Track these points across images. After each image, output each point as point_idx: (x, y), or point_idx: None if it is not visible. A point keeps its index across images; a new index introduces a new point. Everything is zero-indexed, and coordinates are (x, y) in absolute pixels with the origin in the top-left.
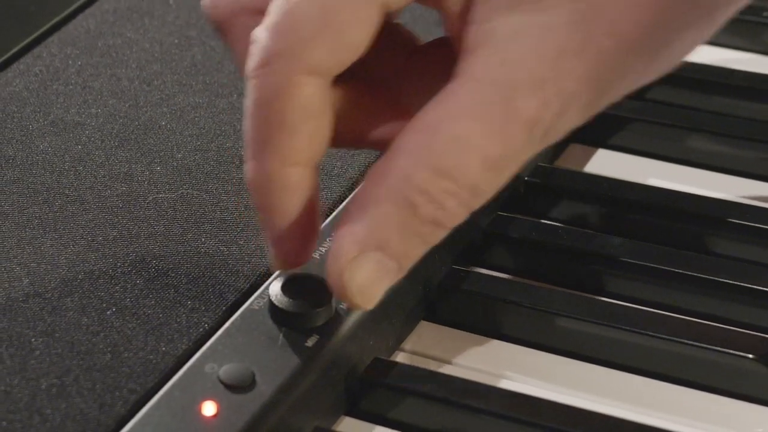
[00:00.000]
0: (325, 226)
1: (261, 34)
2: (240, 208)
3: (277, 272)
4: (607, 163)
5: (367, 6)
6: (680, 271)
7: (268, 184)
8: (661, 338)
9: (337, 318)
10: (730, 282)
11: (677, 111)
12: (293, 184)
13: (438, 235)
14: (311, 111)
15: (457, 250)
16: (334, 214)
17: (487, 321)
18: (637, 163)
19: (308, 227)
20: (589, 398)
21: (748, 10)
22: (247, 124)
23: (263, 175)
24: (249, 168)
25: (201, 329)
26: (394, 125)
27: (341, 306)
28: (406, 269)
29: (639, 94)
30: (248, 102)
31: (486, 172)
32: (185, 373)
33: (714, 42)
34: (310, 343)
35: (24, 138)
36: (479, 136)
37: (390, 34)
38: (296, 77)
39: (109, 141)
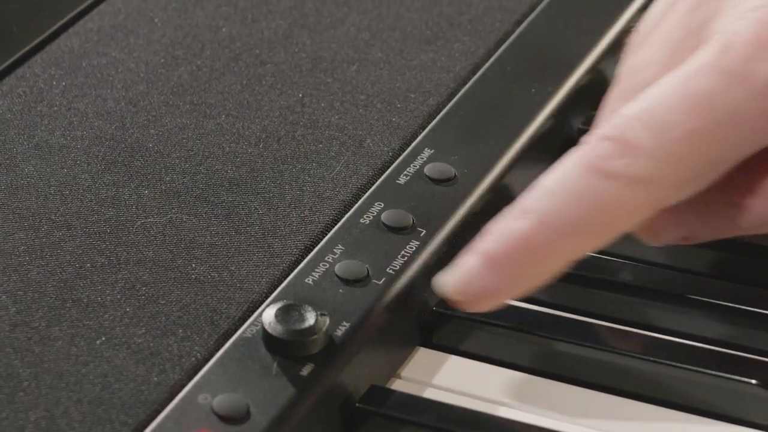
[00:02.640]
0: (320, 249)
1: (645, 140)
2: (231, 233)
3: (270, 299)
4: None
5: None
6: (682, 294)
7: (548, 256)
8: (662, 363)
9: (333, 345)
10: (732, 305)
11: None
12: (565, 265)
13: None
14: (634, 225)
15: None
16: (325, 239)
17: (485, 347)
18: None
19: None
20: (590, 425)
21: None
22: (563, 198)
23: (549, 246)
24: (537, 230)
25: (193, 358)
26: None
27: (336, 333)
28: None
29: None
30: (589, 191)
31: None
32: (178, 405)
33: None
34: (305, 372)
35: (8, 162)
36: None
37: None
38: (655, 205)
39: (96, 164)
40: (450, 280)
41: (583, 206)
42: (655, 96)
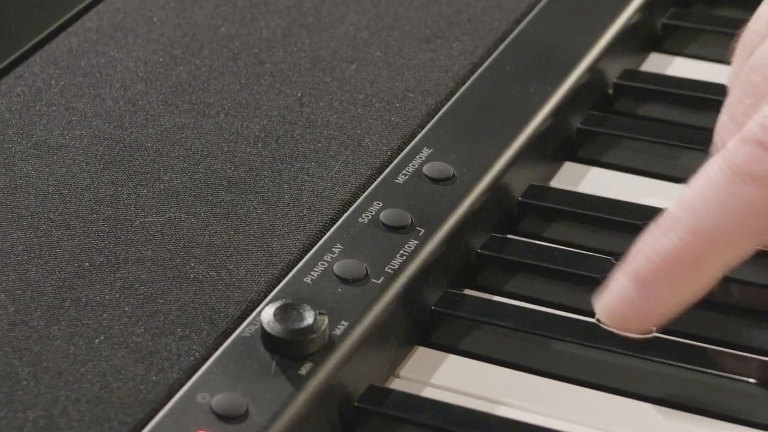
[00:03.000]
0: (318, 248)
1: None
2: (229, 232)
3: (268, 298)
4: (601, 182)
5: None
6: None
7: (701, 268)
8: (660, 362)
9: (331, 345)
10: (729, 304)
11: (672, 129)
12: (720, 274)
13: None
14: None
15: (451, 272)
16: (324, 238)
17: (483, 346)
18: (632, 181)
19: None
20: (589, 424)
21: (743, 24)
22: (711, 207)
23: (701, 258)
24: (687, 243)
25: (192, 357)
26: None
27: (335, 332)
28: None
29: (632, 112)
30: (737, 198)
31: None
32: (176, 404)
33: (708, 58)
34: (303, 371)
35: (6, 161)
36: None
37: None
38: None
39: (94, 163)
40: (605, 308)
41: (732, 213)
42: None
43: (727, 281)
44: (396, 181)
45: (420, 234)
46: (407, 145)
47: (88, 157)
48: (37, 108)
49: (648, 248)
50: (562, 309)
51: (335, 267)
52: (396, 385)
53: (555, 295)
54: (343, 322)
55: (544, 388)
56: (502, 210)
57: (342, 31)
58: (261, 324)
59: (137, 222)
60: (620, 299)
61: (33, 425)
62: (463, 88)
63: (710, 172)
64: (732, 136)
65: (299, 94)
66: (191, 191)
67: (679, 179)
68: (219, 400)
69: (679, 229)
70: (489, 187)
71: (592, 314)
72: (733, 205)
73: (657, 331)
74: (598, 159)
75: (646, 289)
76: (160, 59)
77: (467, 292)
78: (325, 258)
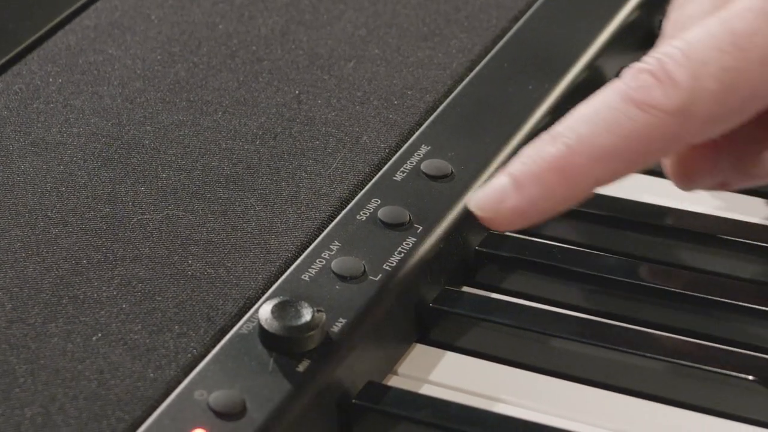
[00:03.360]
0: (316, 245)
1: (682, 74)
2: (227, 229)
3: (266, 295)
4: None
5: None
6: (677, 290)
7: (577, 181)
8: (658, 359)
9: (329, 342)
10: (728, 301)
11: None
12: (591, 190)
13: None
14: (664, 156)
15: (449, 270)
16: (322, 235)
17: (482, 343)
18: (632, 179)
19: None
20: (587, 422)
21: None
22: (597, 125)
23: (579, 171)
24: (568, 154)
25: (189, 355)
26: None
27: (333, 330)
28: None
29: None
30: (624, 119)
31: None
32: (174, 401)
33: None
34: (301, 368)
35: (4, 158)
36: None
37: None
38: (685, 139)
39: (92, 161)
40: (479, 198)
41: (617, 134)
42: (695, 34)
43: (726, 279)
44: (394, 178)
45: (418, 231)
46: (405, 143)
47: (85, 155)
48: (34, 105)
49: (533, 151)
50: (560, 306)
51: (333, 264)
52: (394, 382)
53: (553, 293)
54: (340, 320)
55: (542, 385)
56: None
57: (340, 28)
58: (259, 321)
59: (135, 219)
60: (495, 193)
61: (30, 422)
62: (461, 86)
63: (603, 94)
64: None
65: (297, 92)
66: (189, 188)
67: None
68: (216, 397)
69: (564, 138)
70: None
71: (590, 311)
72: (618, 126)
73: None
74: None
75: (520, 188)
76: (158, 57)
77: (465, 289)
78: (323, 255)
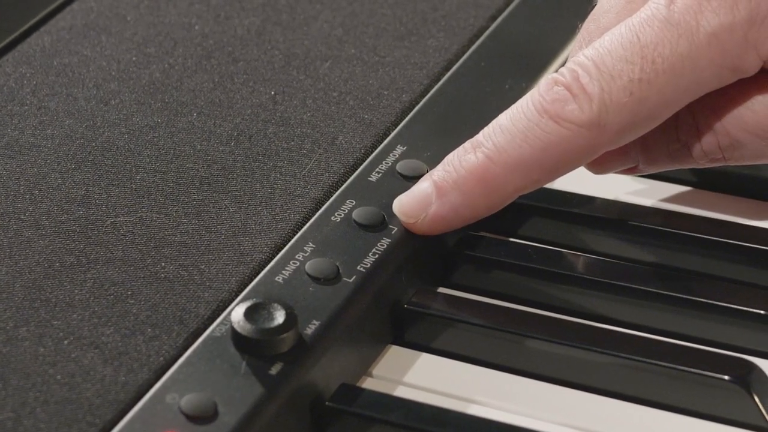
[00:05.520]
0: (290, 247)
1: (594, 87)
2: (201, 231)
3: (239, 298)
4: (578, 180)
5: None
6: (652, 290)
7: (495, 189)
8: (633, 359)
9: (302, 344)
10: (705, 301)
11: None
12: (511, 198)
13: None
14: (579, 165)
15: (424, 270)
16: (296, 237)
17: (457, 344)
18: (608, 179)
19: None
20: (562, 423)
21: None
22: (513, 136)
23: (496, 179)
24: (486, 163)
25: (161, 358)
26: None
27: (306, 332)
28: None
29: None
30: (539, 131)
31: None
32: (145, 405)
33: None
34: (274, 371)
35: None
36: None
37: None
38: (600, 149)
39: (66, 163)
40: (404, 204)
41: (531, 145)
42: (605, 44)
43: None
44: (369, 179)
45: (393, 232)
46: (381, 143)
47: (59, 157)
48: (9, 108)
49: (455, 159)
50: (535, 306)
51: (307, 266)
52: (369, 383)
53: (528, 293)
54: (314, 322)
55: (517, 387)
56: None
57: (316, 28)
58: (231, 324)
59: (108, 222)
60: (418, 199)
61: (0, 427)
62: (438, 85)
63: (521, 105)
64: None
65: (273, 93)
66: (163, 190)
67: (656, 176)
68: (188, 400)
69: (484, 148)
70: None
71: (566, 312)
72: (534, 138)
73: None
74: None
75: (442, 195)
76: (133, 58)
77: (440, 290)
78: (296, 257)
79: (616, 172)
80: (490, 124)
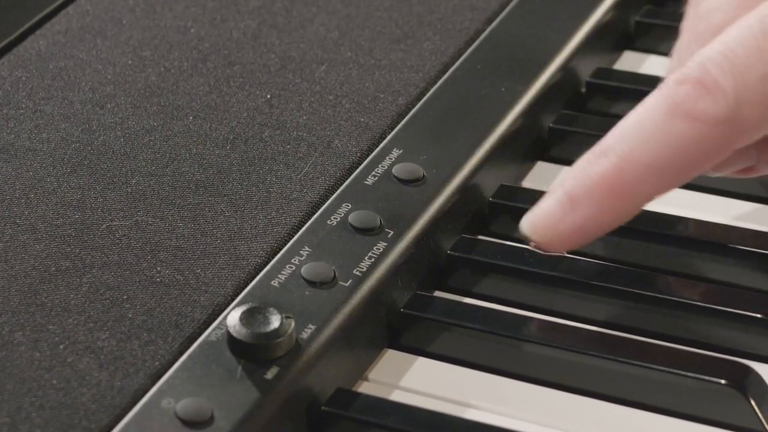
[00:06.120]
0: (286, 251)
1: (727, 82)
2: (197, 235)
3: (235, 302)
4: None
5: None
6: (649, 293)
7: (629, 196)
8: (630, 363)
9: (298, 348)
10: (701, 304)
11: None
12: (644, 204)
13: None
14: (714, 164)
15: (420, 274)
16: (292, 241)
17: (453, 348)
18: None
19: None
20: (558, 426)
21: None
22: (645, 140)
23: (630, 186)
24: (618, 170)
25: (157, 363)
26: None
27: (302, 336)
28: None
29: (605, 111)
30: (672, 132)
31: None
32: (141, 409)
33: None
34: (270, 375)
35: None
36: None
37: None
38: (734, 146)
39: (61, 167)
40: (533, 221)
41: (665, 147)
42: (733, 37)
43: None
44: (365, 182)
45: (389, 236)
46: (377, 146)
47: (55, 161)
48: (4, 111)
49: (581, 170)
50: (532, 311)
51: (303, 270)
52: (365, 388)
53: (525, 297)
54: (310, 326)
55: (514, 391)
56: (472, 211)
57: (312, 31)
58: (227, 328)
59: (104, 226)
60: (549, 214)
61: None
62: (434, 89)
63: (648, 106)
64: None
65: (269, 96)
66: (158, 194)
67: None
68: (184, 405)
69: (612, 155)
70: (459, 187)
71: (562, 316)
72: (666, 140)
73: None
74: (571, 159)
75: (574, 207)
76: (129, 61)
77: (437, 294)
78: (292, 261)
79: (731, 174)
80: (615, 129)
